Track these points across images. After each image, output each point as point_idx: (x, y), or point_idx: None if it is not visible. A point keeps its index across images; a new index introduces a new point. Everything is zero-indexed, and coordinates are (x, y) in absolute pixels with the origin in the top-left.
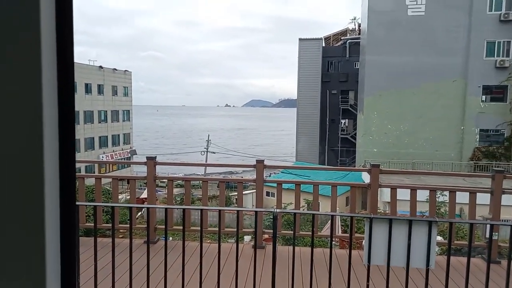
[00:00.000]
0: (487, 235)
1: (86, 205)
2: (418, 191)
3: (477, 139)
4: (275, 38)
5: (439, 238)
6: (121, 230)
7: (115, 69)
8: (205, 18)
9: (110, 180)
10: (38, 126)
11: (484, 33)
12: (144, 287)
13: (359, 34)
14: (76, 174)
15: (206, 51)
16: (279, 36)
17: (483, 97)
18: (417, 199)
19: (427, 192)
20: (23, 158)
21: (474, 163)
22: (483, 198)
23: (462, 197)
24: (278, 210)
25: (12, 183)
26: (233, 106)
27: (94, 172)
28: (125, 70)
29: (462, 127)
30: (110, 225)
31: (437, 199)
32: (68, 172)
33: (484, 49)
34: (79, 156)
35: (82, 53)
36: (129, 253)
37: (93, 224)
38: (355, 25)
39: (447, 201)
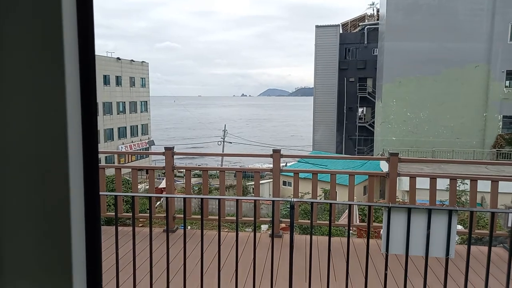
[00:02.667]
0: (509, 224)
1: (107, 195)
2: (438, 179)
3: (500, 126)
4: (290, 26)
5: (459, 227)
6: (140, 219)
7: (132, 60)
8: (220, 7)
9: (129, 170)
10: (62, 119)
11: (508, 16)
12: (164, 274)
13: (377, 19)
14: None
15: (222, 41)
16: (295, 23)
17: (507, 83)
18: (437, 188)
19: (447, 181)
20: (48, 151)
21: (497, 150)
22: (506, 187)
23: (484, 186)
24: (295, 200)
25: (37, 175)
26: (249, 95)
27: (113, 163)
28: (142, 61)
29: (484, 114)
30: (130, 214)
31: (457, 187)
32: (91, 163)
33: (509, 32)
34: (99, 147)
35: (100, 45)
36: (149, 241)
37: (113, 213)
38: (373, 10)
39: (468, 190)
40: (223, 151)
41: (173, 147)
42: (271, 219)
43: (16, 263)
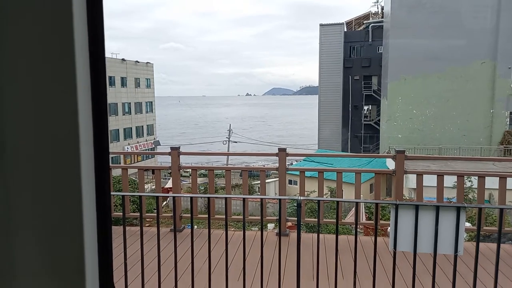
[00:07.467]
0: None
1: (114, 195)
2: (445, 177)
3: (507, 122)
4: (293, 25)
5: (467, 224)
6: (147, 219)
7: (137, 61)
8: (223, 7)
9: (135, 170)
10: (74, 120)
11: None
12: (172, 274)
13: (382, 17)
14: None
15: (225, 40)
16: (298, 22)
17: None
18: (444, 185)
19: (454, 178)
20: (60, 151)
21: (504, 147)
22: None
23: (492, 182)
24: (302, 198)
25: (50, 174)
26: (254, 95)
27: (120, 163)
28: (147, 62)
29: (491, 110)
30: (138, 214)
31: (465, 184)
32: (103, 163)
33: None
34: None
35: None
36: (156, 241)
37: (121, 214)
38: (377, 8)
39: (476, 187)
40: (228, 151)
41: (179, 147)
42: (277, 217)
43: (30, 263)
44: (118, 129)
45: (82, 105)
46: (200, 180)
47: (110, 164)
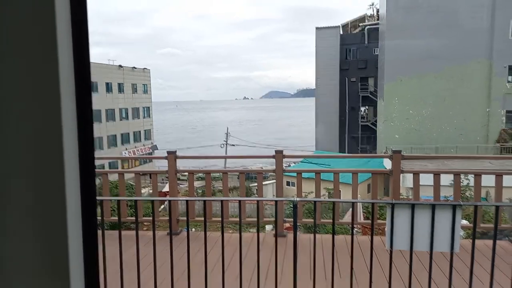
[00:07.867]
0: None
1: (110, 200)
2: (441, 175)
3: (504, 121)
4: (289, 28)
5: (464, 222)
6: (145, 223)
7: (134, 67)
8: (219, 11)
9: (133, 175)
10: (58, 125)
11: (509, 11)
12: (169, 277)
13: (377, 19)
14: (100, 170)
15: (222, 45)
16: (294, 25)
17: (510, 78)
18: (440, 184)
19: (451, 177)
20: (43, 156)
21: (501, 145)
22: (510, 181)
23: (488, 180)
24: (298, 199)
25: (34, 180)
26: (251, 98)
27: (117, 168)
28: (144, 68)
29: (487, 109)
30: (134, 218)
31: (461, 183)
32: (88, 168)
33: (510, 28)
34: (103, 153)
35: (101, 54)
36: (153, 245)
37: (117, 218)
38: (373, 10)
39: (472, 185)
40: (226, 154)
41: (175, 151)
42: (275, 219)
43: (13, 267)
44: (115, 135)
45: (66, 110)
46: (198, 183)
47: (107, 169)
